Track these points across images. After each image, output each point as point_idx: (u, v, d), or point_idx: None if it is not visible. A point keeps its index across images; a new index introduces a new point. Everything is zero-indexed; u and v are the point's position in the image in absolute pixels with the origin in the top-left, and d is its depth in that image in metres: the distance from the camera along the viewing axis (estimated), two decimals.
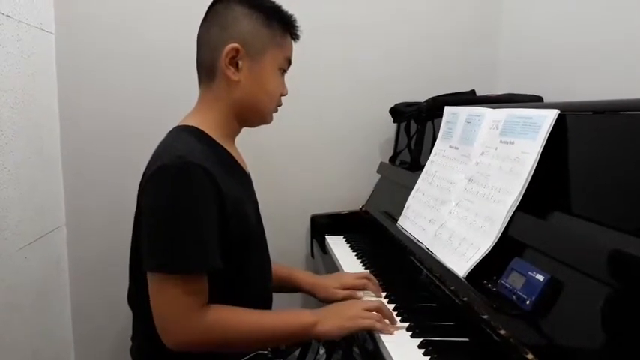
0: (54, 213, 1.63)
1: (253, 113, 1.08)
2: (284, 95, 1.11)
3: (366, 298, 1.11)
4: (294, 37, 1.09)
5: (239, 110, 1.05)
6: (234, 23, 1.01)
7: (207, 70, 1.04)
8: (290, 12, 1.08)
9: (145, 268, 0.91)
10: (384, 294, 1.14)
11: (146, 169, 0.97)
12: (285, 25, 1.06)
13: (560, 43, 1.54)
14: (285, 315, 0.99)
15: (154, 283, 0.90)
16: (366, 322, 0.96)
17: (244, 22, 1.01)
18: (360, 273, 1.23)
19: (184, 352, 0.91)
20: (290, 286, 1.24)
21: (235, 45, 1.00)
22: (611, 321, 0.67)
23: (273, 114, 1.11)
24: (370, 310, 0.99)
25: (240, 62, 1.01)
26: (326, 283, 1.20)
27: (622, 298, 0.68)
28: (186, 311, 0.89)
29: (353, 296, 1.13)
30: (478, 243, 0.97)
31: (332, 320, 0.98)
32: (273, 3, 1.07)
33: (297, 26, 1.08)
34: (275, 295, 1.16)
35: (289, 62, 1.10)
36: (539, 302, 0.77)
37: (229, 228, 0.94)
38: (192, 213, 0.88)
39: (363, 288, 1.16)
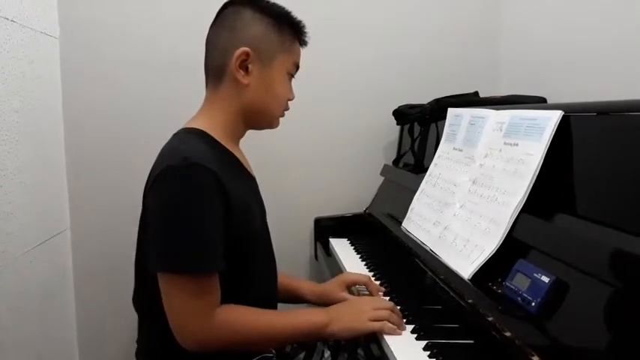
0: (58, 217, 1.63)
1: (261, 117, 1.08)
2: (291, 100, 1.11)
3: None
4: (302, 42, 1.10)
5: (247, 114, 1.06)
6: (244, 27, 1.02)
7: (215, 72, 1.05)
8: (294, 14, 1.08)
9: (153, 270, 0.91)
10: (387, 298, 1.14)
11: (152, 170, 0.98)
12: (295, 31, 1.07)
13: (562, 44, 1.53)
14: (298, 315, 1.00)
15: (165, 284, 0.91)
16: (376, 326, 0.96)
17: (255, 27, 1.02)
18: (360, 273, 1.25)
19: (191, 353, 0.92)
20: (293, 297, 1.24)
21: (246, 49, 1.00)
22: (617, 323, 0.67)
23: (280, 118, 1.12)
24: (381, 309, 0.99)
25: (250, 66, 1.02)
26: (331, 288, 1.19)
27: (628, 300, 0.67)
28: (199, 311, 0.90)
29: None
30: (483, 245, 0.96)
31: (343, 322, 0.98)
32: (283, 8, 1.07)
33: (305, 32, 1.09)
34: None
35: (297, 67, 1.11)
36: (544, 304, 0.77)
37: (235, 230, 0.94)
38: (198, 213, 0.89)
39: (365, 283, 1.18)
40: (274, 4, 1.07)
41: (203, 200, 0.89)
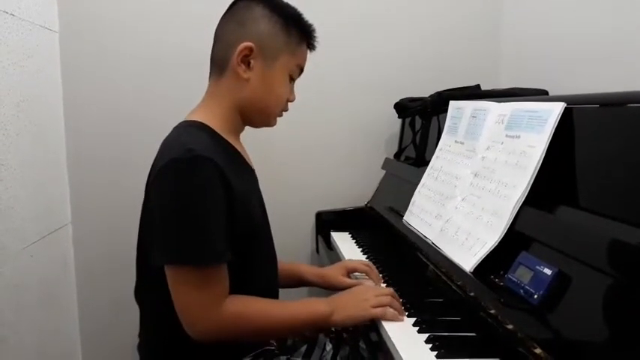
0: (60, 211, 1.64)
1: (257, 114, 1.08)
2: (291, 101, 1.11)
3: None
4: (311, 47, 1.10)
5: (244, 109, 1.06)
6: (252, 23, 1.02)
7: (218, 64, 1.05)
8: (298, 10, 1.07)
9: (159, 262, 0.91)
10: (390, 290, 1.14)
11: (154, 163, 0.98)
12: (303, 34, 1.07)
13: (563, 36, 1.52)
14: (303, 305, 1.01)
15: (172, 276, 0.91)
16: (378, 312, 0.98)
17: (262, 24, 1.02)
18: (362, 260, 1.26)
19: (193, 346, 0.92)
20: (295, 281, 1.26)
21: (249, 44, 1.00)
22: (619, 315, 0.67)
23: (278, 118, 1.12)
24: (382, 295, 1.00)
25: (252, 61, 1.02)
26: (333, 272, 1.22)
27: (630, 292, 0.67)
28: (208, 302, 0.91)
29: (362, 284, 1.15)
30: (485, 238, 0.96)
31: (346, 311, 1.00)
32: (295, 10, 1.07)
33: (315, 36, 1.09)
34: (281, 289, 1.16)
35: (301, 70, 1.11)
36: (546, 296, 0.77)
37: (236, 221, 0.94)
38: (203, 205, 0.89)
39: (366, 271, 1.20)
40: (287, 5, 1.07)
41: (207, 192, 0.89)
